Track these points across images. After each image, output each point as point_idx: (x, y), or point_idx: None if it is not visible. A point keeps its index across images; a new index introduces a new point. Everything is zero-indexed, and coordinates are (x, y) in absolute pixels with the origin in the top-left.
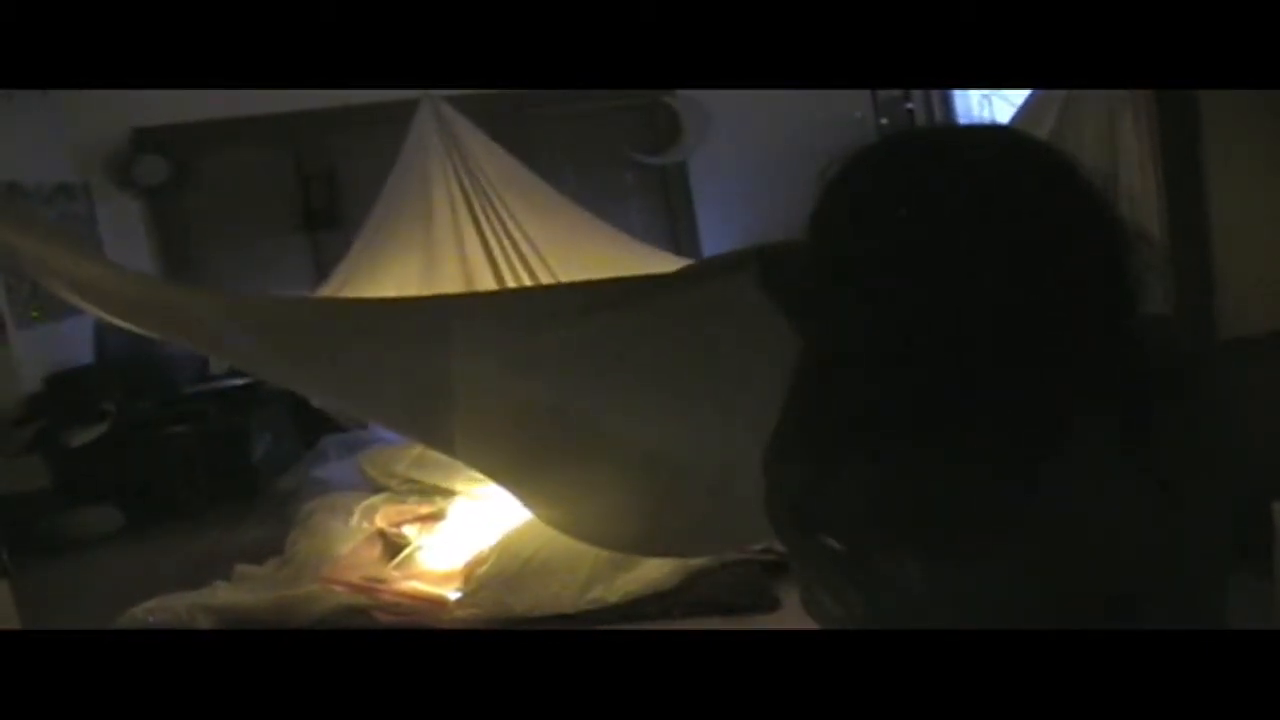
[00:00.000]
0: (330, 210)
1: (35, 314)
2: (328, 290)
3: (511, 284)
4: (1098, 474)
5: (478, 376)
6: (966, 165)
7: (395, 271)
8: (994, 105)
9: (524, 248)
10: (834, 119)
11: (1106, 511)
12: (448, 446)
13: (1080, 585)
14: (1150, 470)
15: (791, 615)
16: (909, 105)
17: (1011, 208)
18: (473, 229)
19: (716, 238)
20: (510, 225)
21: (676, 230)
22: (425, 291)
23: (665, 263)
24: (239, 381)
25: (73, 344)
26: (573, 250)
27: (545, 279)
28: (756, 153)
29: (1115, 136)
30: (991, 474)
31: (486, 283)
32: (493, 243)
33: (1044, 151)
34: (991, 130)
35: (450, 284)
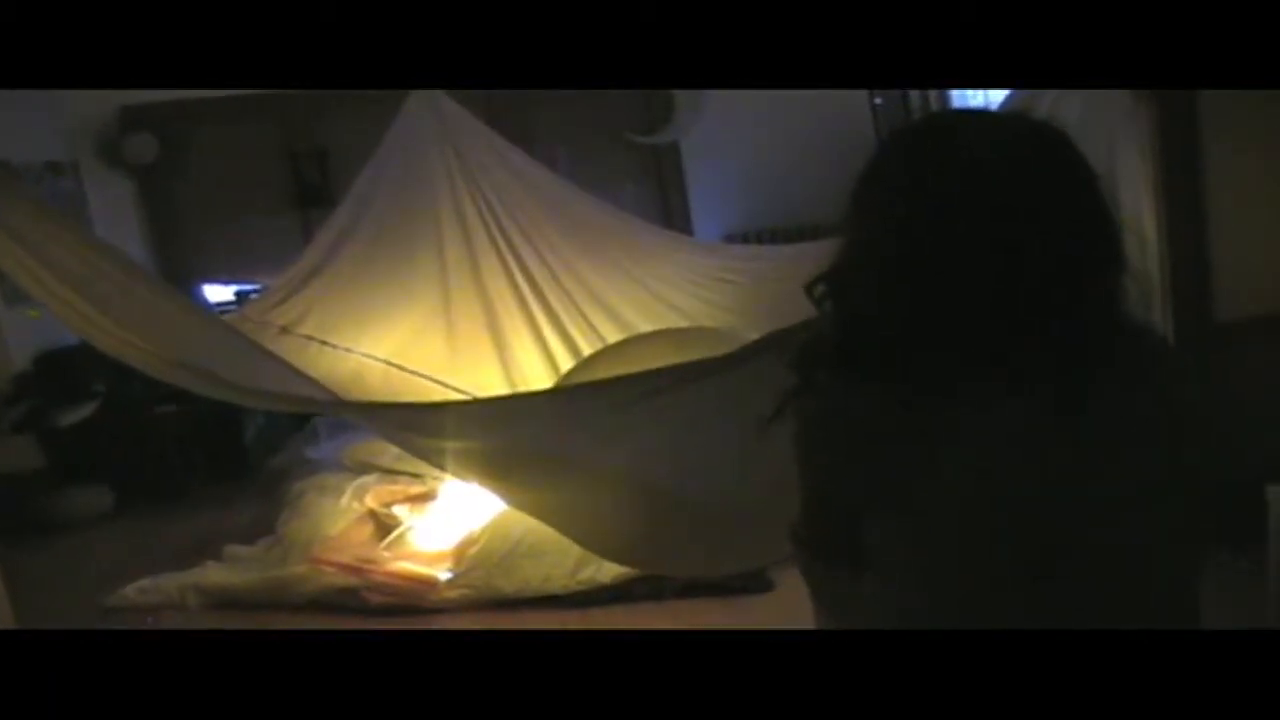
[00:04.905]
0: (321, 187)
1: (34, 313)
2: (306, 266)
3: (505, 279)
4: (1016, 444)
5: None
6: (978, 158)
7: (381, 253)
8: (989, 91)
9: (514, 235)
10: (827, 99)
11: (1023, 477)
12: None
13: (995, 547)
14: (1075, 447)
15: (785, 597)
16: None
17: (1016, 198)
18: (453, 214)
19: (709, 219)
20: (499, 210)
21: (669, 211)
22: (414, 277)
23: (663, 240)
24: None
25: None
26: (568, 230)
27: (532, 261)
28: (750, 132)
29: (1111, 126)
30: (913, 425)
31: (480, 273)
32: (476, 225)
33: (1054, 144)
34: (1002, 120)
35: (440, 270)
